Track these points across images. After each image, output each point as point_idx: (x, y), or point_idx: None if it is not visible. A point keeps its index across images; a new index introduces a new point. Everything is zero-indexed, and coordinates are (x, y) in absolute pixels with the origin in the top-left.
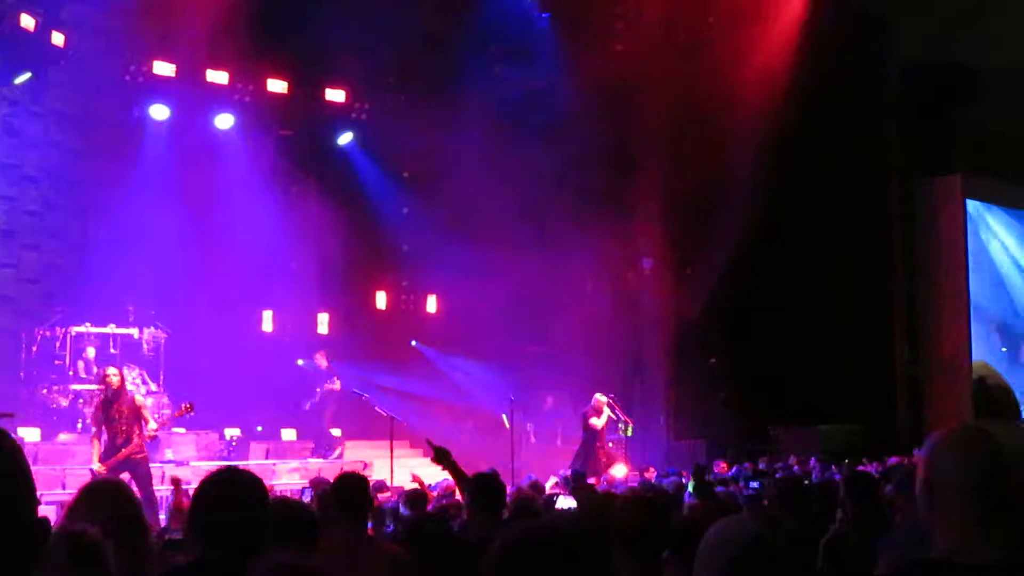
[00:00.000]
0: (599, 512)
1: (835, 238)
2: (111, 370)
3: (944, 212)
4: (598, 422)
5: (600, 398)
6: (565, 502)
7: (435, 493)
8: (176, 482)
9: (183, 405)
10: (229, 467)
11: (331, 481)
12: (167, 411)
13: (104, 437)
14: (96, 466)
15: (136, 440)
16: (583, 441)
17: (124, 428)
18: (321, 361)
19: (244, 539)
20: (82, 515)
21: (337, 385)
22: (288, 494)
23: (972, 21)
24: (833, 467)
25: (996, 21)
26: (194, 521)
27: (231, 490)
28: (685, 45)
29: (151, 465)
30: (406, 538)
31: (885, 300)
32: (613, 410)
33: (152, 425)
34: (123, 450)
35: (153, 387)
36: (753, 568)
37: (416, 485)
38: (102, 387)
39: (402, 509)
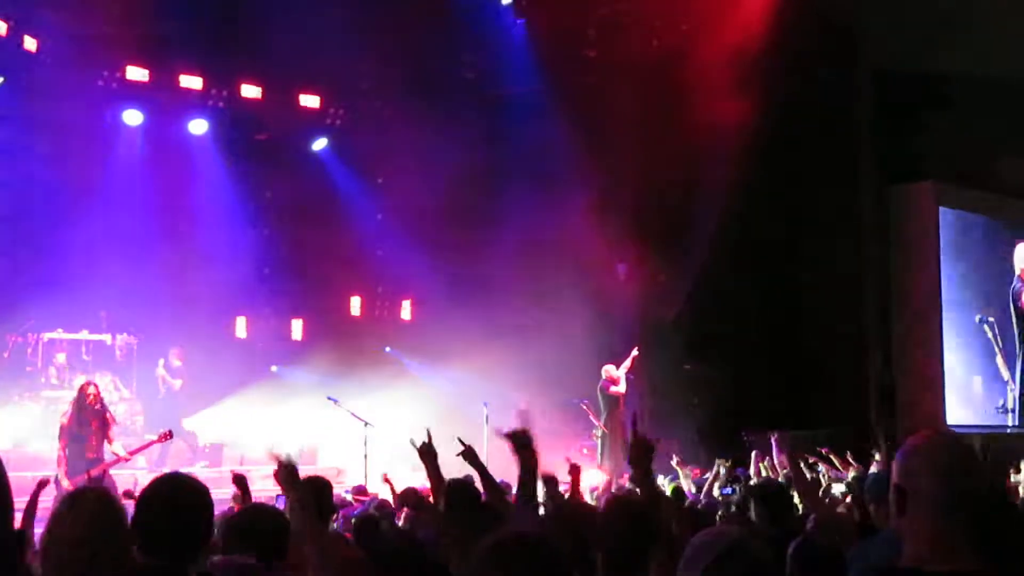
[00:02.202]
0: (575, 520)
1: (807, 245)
2: (90, 388)
3: (916, 219)
4: (618, 388)
5: (608, 368)
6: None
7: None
8: (129, 495)
9: (161, 432)
10: (171, 474)
11: None
12: (140, 418)
13: (69, 452)
14: (65, 483)
15: (103, 460)
16: (608, 414)
17: (94, 444)
18: (174, 360)
19: (183, 545)
20: (67, 523)
21: (176, 384)
22: (263, 500)
23: (942, 29)
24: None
25: (966, 29)
26: (135, 528)
27: (171, 497)
28: (658, 52)
29: (124, 472)
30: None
31: (857, 306)
32: (589, 413)
33: (122, 452)
34: (93, 469)
35: (126, 393)
36: (736, 571)
37: (388, 486)
38: (75, 400)
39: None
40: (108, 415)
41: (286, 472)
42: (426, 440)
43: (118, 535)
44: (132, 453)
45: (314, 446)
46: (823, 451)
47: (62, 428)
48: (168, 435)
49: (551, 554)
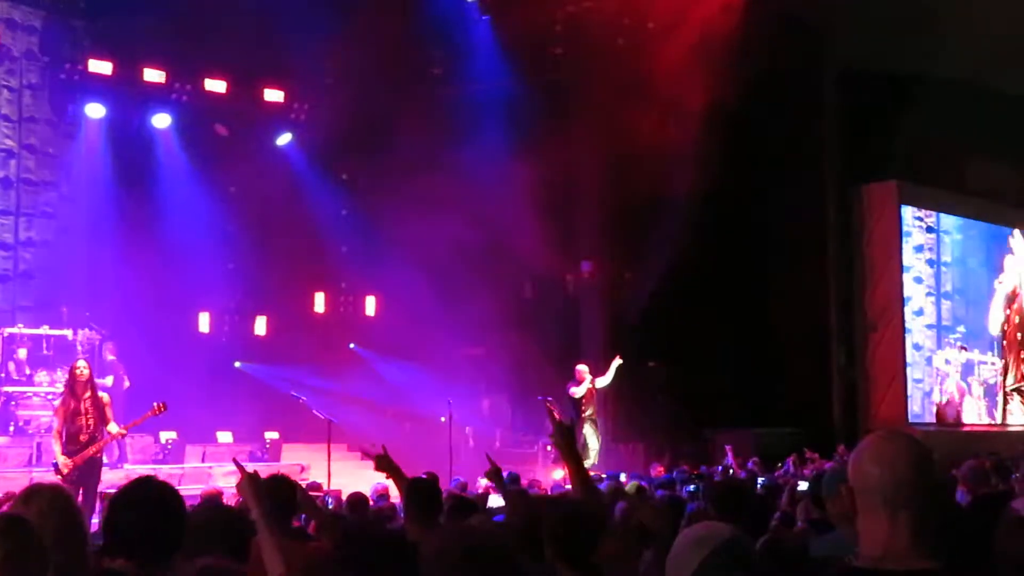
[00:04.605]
0: (532, 516)
1: (771, 244)
2: (80, 363)
3: (880, 218)
4: (577, 391)
5: (581, 368)
6: (495, 500)
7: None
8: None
9: (155, 405)
10: (142, 478)
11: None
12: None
13: (65, 433)
14: (61, 460)
15: (99, 439)
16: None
17: (88, 424)
18: (107, 356)
19: (154, 550)
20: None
21: (107, 381)
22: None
23: (907, 30)
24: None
25: (931, 30)
26: (107, 532)
27: (144, 501)
28: (624, 50)
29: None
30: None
31: (821, 305)
32: (552, 413)
33: (115, 428)
34: (90, 447)
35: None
36: (727, 567)
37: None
38: (68, 381)
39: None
40: (100, 394)
41: (250, 483)
42: (381, 454)
43: (72, 530)
44: (127, 427)
45: (278, 442)
46: (806, 452)
47: (56, 410)
48: (162, 407)
49: (489, 548)
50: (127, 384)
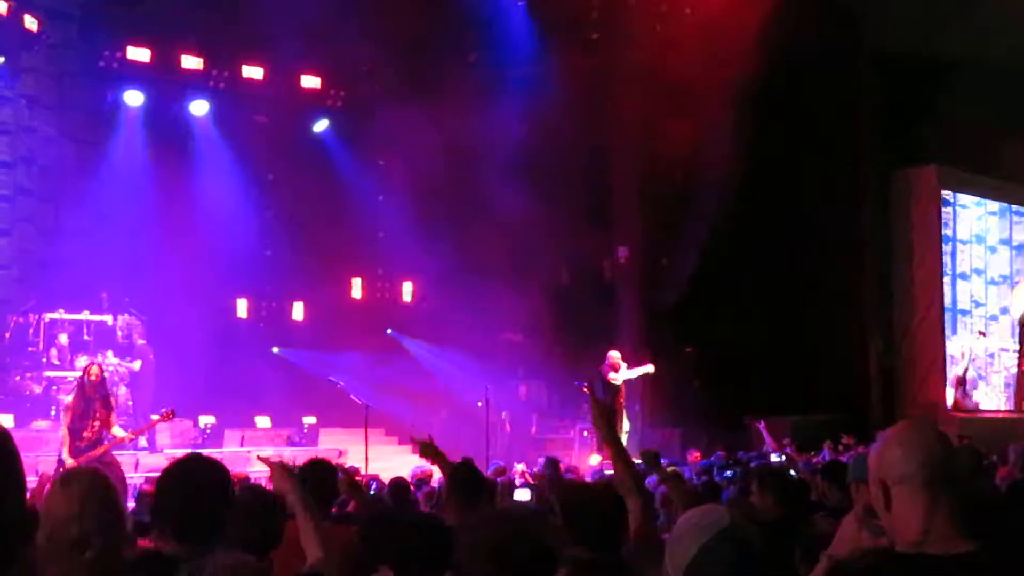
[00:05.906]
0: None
1: (809, 228)
2: (93, 367)
3: (918, 202)
4: (617, 377)
5: (614, 354)
6: (521, 494)
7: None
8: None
9: (163, 412)
10: (192, 455)
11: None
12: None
13: (73, 431)
14: (69, 461)
15: (105, 444)
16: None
17: (94, 426)
18: (137, 340)
19: (206, 531)
20: (60, 501)
21: (135, 365)
22: (262, 482)
23: (946, 12)
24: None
25: (970, 12)
26: (158, 512)
27: (194, 479)
28: (661, 35)
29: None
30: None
31: (859, 291)
32: (593, 394)
33: (120, 432)
34: (93, 451)
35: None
36: (725, 555)
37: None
38: (79, 381)
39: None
40: (110, 398)
41: (283, 472)
42: (426, 441)
43: (111, 514)
44: (136, 433)
45: (315, 427)
46: (842, 438)
47: (66, 407)
48: (170, 414)
49: (523, 533)
50: (151, 356)
